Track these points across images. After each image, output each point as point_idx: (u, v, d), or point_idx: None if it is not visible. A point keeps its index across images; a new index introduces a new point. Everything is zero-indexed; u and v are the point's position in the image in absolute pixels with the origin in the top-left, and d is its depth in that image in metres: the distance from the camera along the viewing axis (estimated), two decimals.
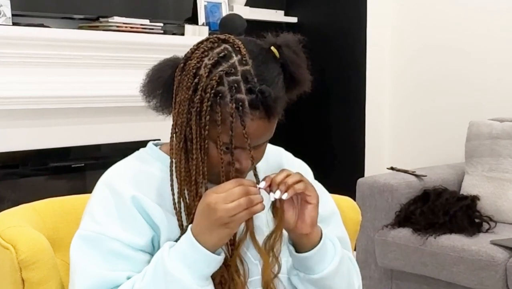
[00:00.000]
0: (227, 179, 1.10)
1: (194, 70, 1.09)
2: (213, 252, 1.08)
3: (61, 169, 3.01)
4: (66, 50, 2.82)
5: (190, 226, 1.11)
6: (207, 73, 1.07)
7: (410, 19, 3.67)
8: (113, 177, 1.19)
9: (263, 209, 1.09)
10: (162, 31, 3.15)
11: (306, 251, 1.19)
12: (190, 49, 1.13)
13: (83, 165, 3.06)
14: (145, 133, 3.09)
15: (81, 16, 3.00)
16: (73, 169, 3.03)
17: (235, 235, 1.14)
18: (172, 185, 1.14)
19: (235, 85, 1.06)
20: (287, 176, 1.13)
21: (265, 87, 1.07)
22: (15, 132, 2.77)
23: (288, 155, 1.38)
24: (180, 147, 1.11)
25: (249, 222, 1.14)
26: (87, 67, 2.91)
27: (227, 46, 1.10)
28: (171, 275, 1.07)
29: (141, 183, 1.17)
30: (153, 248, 1.17)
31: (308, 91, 1.19)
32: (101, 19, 2.98)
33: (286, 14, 4.02)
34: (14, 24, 2.67)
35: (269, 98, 1.07)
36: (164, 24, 3.19)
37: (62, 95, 2.83)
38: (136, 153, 1.26)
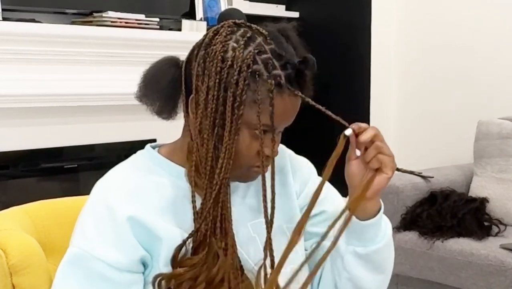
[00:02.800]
0: (247, 173, 1.12)
1: (222, 54, 1.09)
2: None
3: (53, 170, 3.01)
4: (58, 46, 2.82)
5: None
6: (241, 53, 1.08)
7: (417, 13, 3.67)
8: (110, 191, 1.17)
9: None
10: (158, 27, 3.15)
11: (364, 220, 1.20)
12: (207, 37, 1.13)
13: (76, 165, 3.05)
14: (140, 133, 3.09)
15: (74, 11, 3.00)
16: (65, 170, 3.03)
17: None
18: (191, 180, 1.13)
19: (270, 62, 1.09)
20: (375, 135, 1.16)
21: (310, 56, 1.11)
22: (5, 132, 2.77)
23: (291, 153, 1.39)
24: (211, 134, 1.10)
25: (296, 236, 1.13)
26: (80, 64, 2.90)
27: (246, 29, 1.13)
28: None
29: (139, 195, 1.16)
30: (144, 267, 1.16)
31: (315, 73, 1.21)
32: (94, 14, 2.98)
33: (287, 9, 4.02)
34: (4, 19, 2.67)
35: (308, 70, 1.12)
36: (161, 19, 3.19)
37: (54, 93, 2.83)
38: (133, 157, 1.24)
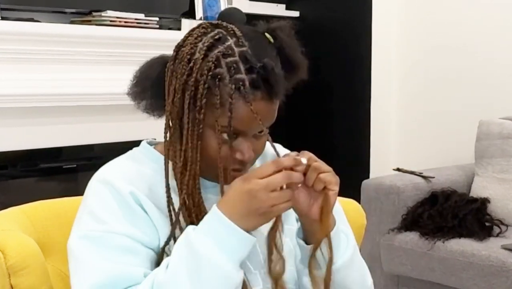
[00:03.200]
0: (226, 175, 1.10)
1: (188, 56, 1.09)
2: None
3: (52, 170, 3.01)
4: (57, 46, 2.82)
5: (214, 205, 1.08)
6: (202, 56, 1.08)
7: (418, 13, 3.67)
8: (108, 173, 1.18)
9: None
10: (157, 26, 3.15)
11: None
12: (182, 38, 1.14)
13: (75, 165, 3.05)
14: (140, 132, 3.07)
15: (73, 10, 3.00)
16: (64, 170, 3.03)
17: None
18: (167, 179, 1.13)
19: (234, 65, 1.07)
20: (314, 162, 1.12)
21: (267, 61, 1.08)
22: (3, 132, 2.77)
23: None
24: (175, 137, 1.11)
25: (278, 219, 1.13)
26: (79, 64, 2.90)
27: (220, 30, 1.12)
28: (206, 259, 1.03)
29: (135, 182, 1.16)
30: (158, 247, 1.15)
31: (304, 78, 1.19)
32: (94, 13, 2.98)
33: (287, 8, 4.02)
34: (2, 18, 2.67)
35: (272, 75, 1.08)
36: (160, 18, 3.19)
37: (53, 93, 2.83)
38: (129, 152, 1.26)
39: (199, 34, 1.11)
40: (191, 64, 1.08)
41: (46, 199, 1.44)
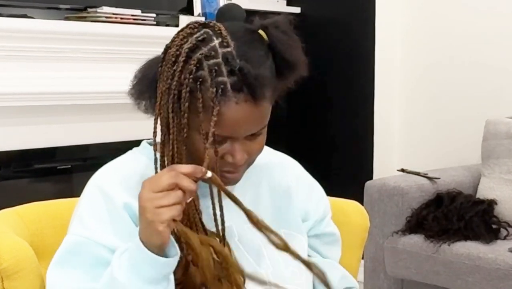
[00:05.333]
0: (220, 176, 1.09)
1: (173, 59, 1.09)
2: (163, 253, 1.05)
3: (46, 171, 3.01)
4: (51, 43, 2.82)
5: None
6: (184, 58, 1.07)
7: (424, 8, 3.67)
8: (104, 179, 1.20)
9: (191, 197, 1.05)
10: (154, 23, 3.15)
11: None
12: (171, 39, 1.14)
13: (69, 166, 3.05)
14: (136, 132, 3.07)
15: (68, 6, 3.00)
16: (59, 171, 3.03)
17: None
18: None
19: (216, 68, 1.07)
20: None
21: (243, 64, 1.07)
22: None
23: (299, 173, 1.39)
24: (163, 140, 1.12)
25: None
26: (73, 61, 2.90)
27: (207, 30, 1.11)
28: (115, 279, 1.05)
29: (134, 186, 1.16)
30: None
31: (304, 75, 1.18)
32: (89, 10, 2.98)
33: (288, 4, 4.02)
34: None
35: (250, 76, 1.07)
36: (157, 15, 3.19)
37: (47, 91, 2.83)
38: (129, 152, 1.27)
39: (185, 35, 1.11)
40: (175, 67, 1.08)
41: (40, 200, 1.44)
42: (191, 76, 1.07)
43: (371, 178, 3.54)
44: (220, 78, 1.07)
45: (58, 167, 3.03)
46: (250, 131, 1.12)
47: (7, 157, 2.84)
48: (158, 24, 3.18)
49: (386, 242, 2.88)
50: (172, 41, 1.12)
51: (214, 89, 1.06)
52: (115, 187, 1.17)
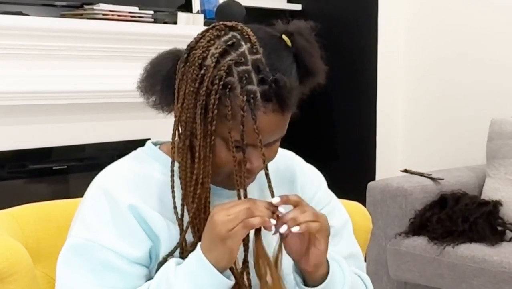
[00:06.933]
0: (236, 181, 1.11)
1: (199, 61, 1.09)
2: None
3: (41, 172, 3.01)
4: (47, 41, 2.82)
5: (199, 243, 1.11)
6: (214, 63, 1.07)
7: (426, 6, 3.67)
8: (109, 180, 1.19)
9: (261, 223, 1.08)
10: (152, 20, 3.14)
11: (313, 285, 1.18)
12: (194, 38, 1.13)
13: (65, 167, 3.05)
14: (134, 132, 3.09)
15: (64, 3, 3.00)
16: (54, 172, 3.03)
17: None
18: (173, 187, 1.14)
19: (246, 75, 1.07)
20: (303, 212, 1.12)
21: (280, 76, 1.07)
22: None
23: (300, 161, 1.39)
24: (185, 145, 1.12)
25: (258, 242, 1.13)
26: (69, 60, 2.90)
27: (235, 33, 1.11)
28: None
29: (140, 188, 1.17)
30: (150, 261, 1.17)
31: (322, 83, 1.20)
32: (85, 7, 2.97)
33: (289, 1, 4.02)
34: None
35: (284, 89, 1.08)
36: (155, 12, 3.18)
37: (42, 90, 2.83)
38: (134, 153, 1.26)
39: (212, 37, 1.10)
40: (202, 71, 1.08)
41: (35, 201, 1.44)
42: (221, 82, 1.07)
43: (374, 179, 3.54)
44: (249, 87, 1.07)
45: (54, 168, 3.03)
46: (271, 139, 1.13)
47: (1, 157, 2.84)
48: (156, 21, 3.17)
49: (389, 244, 2.88)
50: (197, 42, 1.12)
51: (244, 97, 1.06)
52: (120, 187, 1.17)
